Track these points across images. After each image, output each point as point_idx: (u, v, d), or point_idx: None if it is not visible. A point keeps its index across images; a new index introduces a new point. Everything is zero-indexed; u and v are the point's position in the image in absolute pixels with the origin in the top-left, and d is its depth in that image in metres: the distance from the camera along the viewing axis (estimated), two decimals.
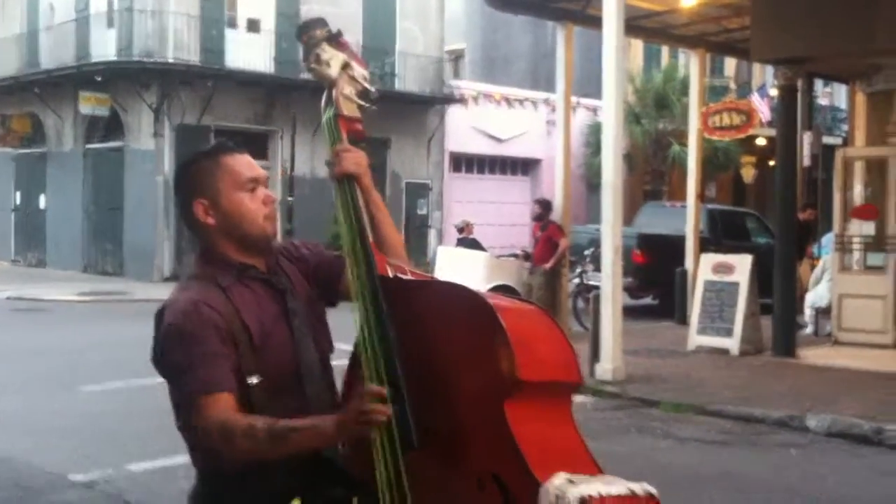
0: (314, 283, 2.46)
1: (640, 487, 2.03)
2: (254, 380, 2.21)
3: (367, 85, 2.43)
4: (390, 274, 2.26)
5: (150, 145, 20.98)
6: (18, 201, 25.27)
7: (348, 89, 2.42)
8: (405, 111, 23.65)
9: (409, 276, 2.28)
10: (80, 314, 15.83)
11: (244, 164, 2.37)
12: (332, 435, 2.12)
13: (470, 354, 2.10)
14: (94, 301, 17.60)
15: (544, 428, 2.08)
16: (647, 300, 16.80)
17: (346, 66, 2.41)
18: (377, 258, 2.27)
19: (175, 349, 2.22)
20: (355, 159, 2.35)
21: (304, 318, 2.38)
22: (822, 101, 28.86)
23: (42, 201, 24.38)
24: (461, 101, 25.56)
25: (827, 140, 21.46)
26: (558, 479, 1.93)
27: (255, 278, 2.36)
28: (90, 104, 21.30)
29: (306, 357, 2.34)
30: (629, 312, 12.14)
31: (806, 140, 16.98)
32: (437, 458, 2.11)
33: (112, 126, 22.27)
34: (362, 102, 2.44)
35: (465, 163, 27.14)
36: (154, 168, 20.86)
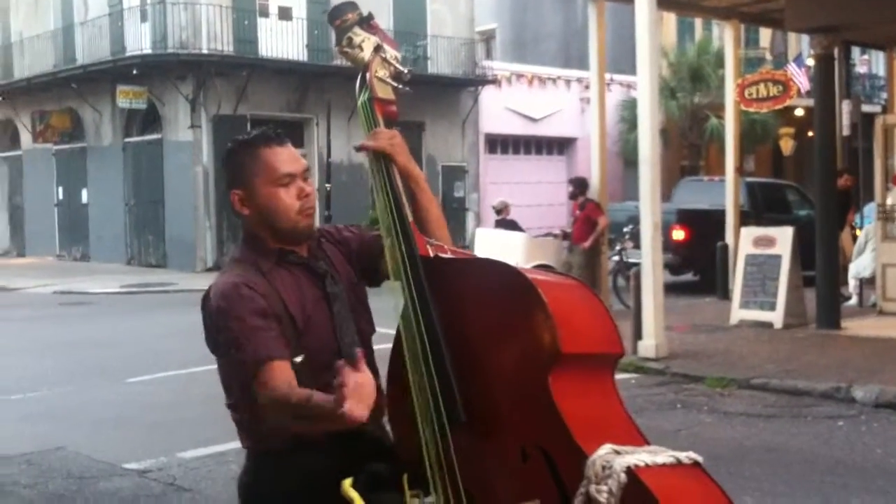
0: (356, 265, 2.50)
1: (685, 456, 2.05)
2: (298, 359, 2.26)
3: (399, 66, 2.46)
4: (431, 253, 2.29)
5: (188, 136, 21.17)
6: (61, 196, 25.63)
7: (382, 72, 2.45)
8: (438, 94, 23.64)
9: (448, 255, 2.30)
10: (125, 306, 16.05)
11: (283, 157, 2.40)
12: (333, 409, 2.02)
13: (512, 329, 2.13)
14: (138, 293, 17.87)
15: (588, 400, 2.11)
16: (688, 276, 16.70)
17: (378, 49, 2.43)
18: (417, 238, 2.30)
19: (222, 329, 2.28)
20: (391, 139, 2.36)
21: (345, 301, 2.42)
22: (861, 68, 28.43)
23: (84, 196, 24.70)
24: (494, 81, 25.48)
25: (866, 108, 21.14)
26: (604, 450, 1.95)
27: (295, 263, 2.40)
28: (127, 98, 21.54)
29: (347, 339, 2.38)
30: (670, 289, 12.09)
31: (845, 109, 16.75)
32: (482, 431, 2.14)
33: (149, 119, 22.51)
34: (396, 84, 2.47)
35: (501, 144, 27.09)
36: (192, 159, 21.06)
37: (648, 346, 9.70)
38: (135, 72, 21.35)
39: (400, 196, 2.32)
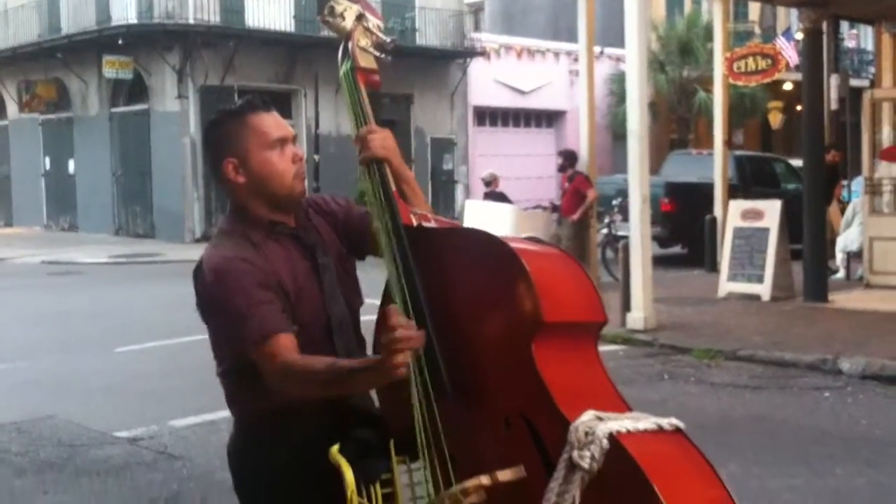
0: (343, 238, 2.50)
1: (667, 422, 2.07)
2: (294, 328, 2.27)
3: (382, 35, 2.45)
4: (414, 223, 2.30)
5: (175, 107, 21.07)
6: (48, 166, 25.53)
7: (364, 41, 2.43)
8: (427, 66, 23.56)
9: (432, 224, 2.31)
10: (113, 277, 16.04)
11: (272, 123, 2.40)
12: (381, 371, 2.05)
13: (495, 298, 2.13)
14: (126, 263, 17.84)
15: (571, 367, 2.12)
16: (677, 249, 16.76)
17: (360, 18, 2.42)
18: (401, 208, 2.30)
19: (221, 303, 2.27)
20: (382, 142, 2.32)
21: (334, 273, 2.43)
22: (849, 43, 28.43)
23: (71, 166, 24.60)
24: (483, 54, 25.40)
25: (854, 83, 21.17)
26: (587, 416, 1.97)
27: (284, 234, 2.40)
28: (114, 68, 21.40)
29: (336, 311, 2.39)
30: (658, 262, 12.15)
31: (833, 83, 16.78)
32: (467, 400, 2.16)
33: (136, 89, 22.38)
34: (378, 54, 2.46)
35: (489, 116, 27.04)
36: (180, 130, 20.97)
37: (637, 318, 9.76)
38: (121, 42, 21.19)
39: (392, 199, 2.28)
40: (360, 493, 2.19)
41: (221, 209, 21.21)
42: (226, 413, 6.78)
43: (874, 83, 17.34)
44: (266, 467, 2.37)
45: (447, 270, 2.21)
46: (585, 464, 1.92)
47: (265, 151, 2.37)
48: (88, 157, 23.71)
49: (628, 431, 1.98)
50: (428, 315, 2.17)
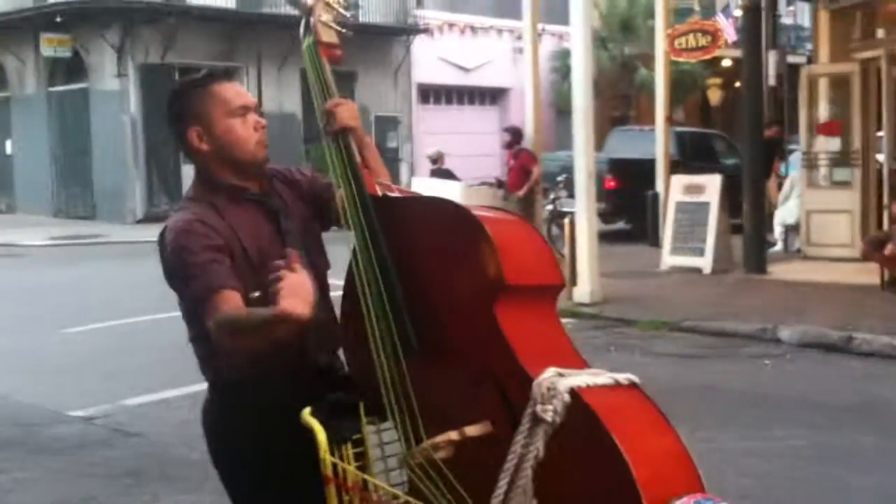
0: (309, 206, 2.58)
1: (623, 377, 2.20)
2: (255, 294, 2.33)
3: (342, 10, 2.52)
4: (380, 193, 2.39)
5: (115, 86, 20.76)
6: None
7: (325, 16, 2.50)
8: (370, 43, 23.47)
9: (396, 194, 2.41)
10: (55, 258, 15.82)
11: (234, 92, 2.48)
12: (280, 314, 2.05)
13: (459, 263, 2.23)
14: (68, 245, 17.59)
15: (532, 328, 2.23)
16: (620, 225, 17.01)
17: None
18: (367, 179, 2.39)
19: (177, 264, 2.35)
20: (351, 112, 2.43)
21: (299, 238, 2.49)
22: (786, 19, 28.88)
23: (8, 146, 24.10)
24: (426, 31, 25.38)
25: (792, 59, 21.58)
26: (549, 373, 2.08)
27: (249, 200, 2.48)
28: (52, 46, 20.99)
29: None
30: (603, 237, 12.32)
31: (771, 59, 17.09)
32: (435, 360, 2.26)
33: (75, 68, 21.97)
34: (339, 28, 2.54)
35: (434, 94, 27.05)
36: (120, 108, 20.68)
37: (583, 291, 9.94)
38: (59, 19, 20.78)
39: (357, 166, 2.37)
40: (332, 454, 2.28)
41: (164, 189, 21.01)
42: (180, 391, 6.82)
43: (811, 59, 17.72)
44: (240, 431, 2.44)
45: (413, 237, 2.31)
46: (549, 417, 2.03)
47: (228, 119, 2.44)
48: (26, 137, 23.25)
49: (588, 386, 2.09)
50: (396, 279, 2.26)
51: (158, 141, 20.78)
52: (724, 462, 4.88)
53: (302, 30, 2.52)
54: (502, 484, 2.03)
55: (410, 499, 2.22)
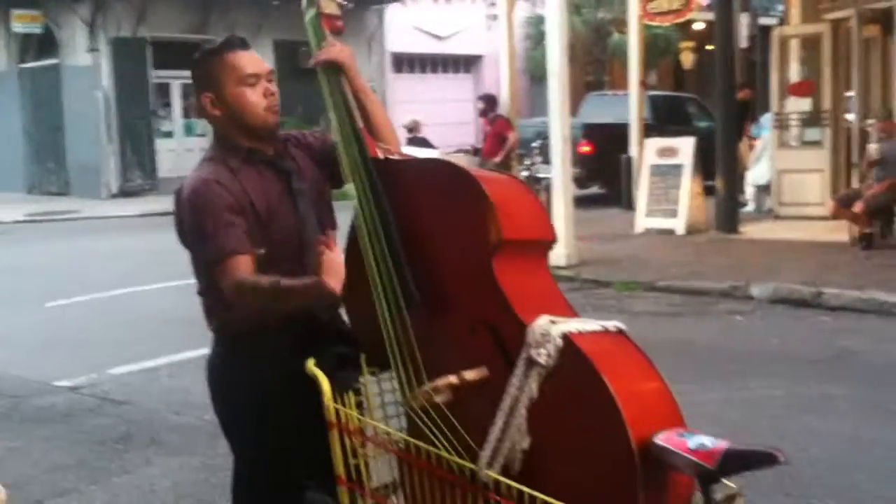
0: (320, 167, 2.70)
1: (611, 324, 2.35)
2: (261, 250, 2.47)
3: None
4: (380, 155, 2.52)
5: (87, 61, 20.60)
6: None
7: None
8: (343, 12, 23.40)
9: (397, 157, 2.54)
10: (31, 234, 15.79)
11: (247, 60, 2.59)
12: (325, 287, 2.36)
13: (459, 220, 2.37)
14: (44, 221, 17.54)
15: (526, 279, 2.37)
16: (595, 189, 17.16)
17: None
18: (368, 142, 2.51)
19: (193, 222, 2.49)
20: (344, 51, 2.57)
21: (309, 198, 2.63)
22: None
23: None
24: None
25: (763, 21, 21.73)
26: (542, 320, 2.22)
27: (261, 161, 2.60)
28: (23, 22, 20.79)
29: (308, 232, 2.59)
30: (579, 202, 12.44)
31: (743, 22, 17.24)
32: (435, 311, 2.40)
33: (46, 43, 21.77)
34: (339, 0, 2.65)
35: (407, 62, 27.02)
36: (92, 83, 20.52)
37: (560, 254, 10.07)
38: None
39: (349, 102, 2.52)
40: (335, 401, 2.41)
41: (137, 164, 20.94)
42: (164, 360, 6.94)
43: (783, 21, 17.88)
44: (244, 381, 2.58)
45: (414, 196, 2.44)
46: (542, 360, 2.18)
47: (239, 86, 2.56)
48: None
49: (579, 332, 2.24)
50: (397, 235, 2.39)
51: (132, 116, 20.69)
52: (696, 413, 4.99)
53: (305, 3, 2.63)
54: (498, 422, 2.18)
55: (408, 438, 2.36)
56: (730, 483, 2.19)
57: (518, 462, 2.20)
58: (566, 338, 2.19)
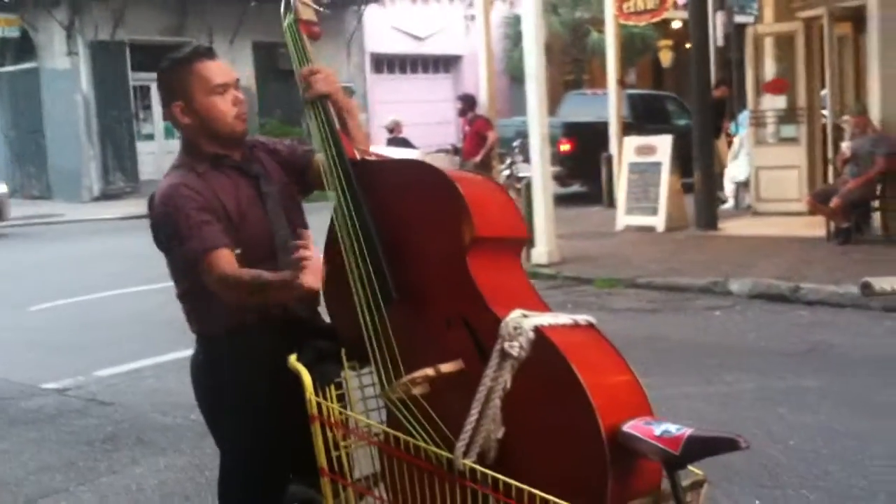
0: (289, 172, 2.78)
1: (581, 318, 2.44)
2: (236, 251, 2.56)
3: None
4: (358, 157, 2.60)
5: (66, 64, 20.58)
6: None
7: None
8: (320, 17, 23.43)
9: (373, 158, 2.62)
10: (13, 239, 15.78)
11: (215, 70, 2.66)
12: (291, 284, 2.36)
13: (435, 218, 2.46)
14: (25, 225, 17.51)
15: (499, 275, 2.46)
16: (576, 188, 17.28)
17: None
18: (346, 146, 2.60)
19: (168, 226, 2.56)
20: (327, 79, 2.64)
21: (278, 200, 2.71)
22: None
23: None
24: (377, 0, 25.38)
25: (739, 19, 21.89)
26: (515, 314, 2.30)
27: (229, 166, 2.68)
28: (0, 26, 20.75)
29: (280, 233, 2.67)
30: (560, 200, 12.58)
31: (719, 20, 17.39)
32: (412, 307, 2.48)
33: (24, 47, 21.72)
34: (317, 7, 2.73)
35: (387, 63, 27.08)
36: (71, 87, 20.51)
37: (541, 252, 10.20)
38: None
39: (336, 132, 2.59)
40: (316, 395, 2.49)
41: (118, 167, 20.93)
42: (149, 361, 7.03)
43: (758, 19, 18.04)
44: (226, 380, 2.66)
45: (390, 196, 2.53)
46: (515, 352, 2.26)
47: (208, 96, 2.64)
48: None
49: (550, 325, 2.32)
50: (375, 235, 2.47)
51: (112, 119, 20.67)
52: (673, 406, 5.13)
53: (283, 8, 2.71)
54: (474, 412, 2.26)
55: (388, 429, 2.44)
56: (696, 470, 2.28)
57: (493, 451, 2.28)
58: (538, 331, 2.27)
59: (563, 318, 2.40)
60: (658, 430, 2.16)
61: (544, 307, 2.49)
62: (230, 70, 2.72)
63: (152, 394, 6.19)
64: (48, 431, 5.63)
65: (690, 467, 2.25)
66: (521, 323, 2.28)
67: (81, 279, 10.67)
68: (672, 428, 2.17)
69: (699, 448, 2.14)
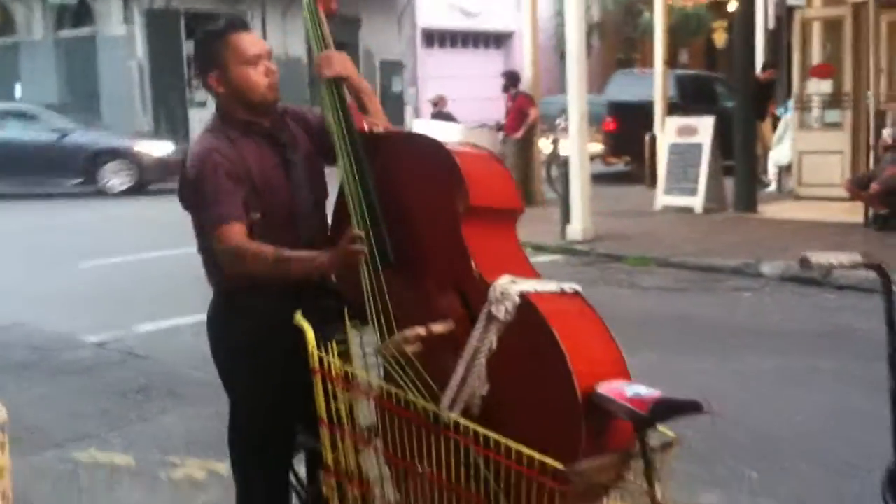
0: (316, 142, 2.95)
1: (568, 286, 2.58)
2: (256, 215, 2.73)
3: None
4: (366, 128, 2.77)
5: (122, 31, 20.98)
6: None
7: None
8: None
9: (380, 129, 2.79)
10: (69, 200, 16.20)
11: (249, 41, 2.83)
12: (325, 267, 2.68)
13: (433, 188, 2.63)
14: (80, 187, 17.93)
15: (492, 243, 2.62)
16: (620, 166, 17.30)
17: None
18: (356, 117, 2.76)
19: (194, 189, 2.75)
20: (341, 63, 2.80)
21: (302, 168, 2.88)
22: None
23: (18, 91, 24.36)
24: None
25: (791, 2, 21.60)
26: (503, 280, 2.46)
27: (259, 133, 2.85)
28: None
29: (300, 200, 2.84)
30: (603, 179, 12.68)
31: (770, 3, 17.21)
32: (409, 271, 2.65)
33: (82, 13, 22.16)
34: None
35: (438, 38, 27.16)
36: (127, 54, 20.91)
37: (576, 229, 10.30)
38: None
39: (350, 114, 2.75)
40: (319, 350, 2.67)
41: (171, 132, 21.30)
42: (187, 319, 7.28)
43: (807, 3, 17.83)
44: (239, 331, 2.84)
45: (393, 166, 2.70)
46: (501, 316, 2.42)
47: (242, 66, 2.81)
48: (35, 83, 23.46)
49: (536, 291, 2.48)
50: (377, 202, 2.64)
51: (166, 86, 21.04)
52: (685, 383, 5.21)
53: None
54: (460, 370, 2.43)
55: (384, 384, 2.62)
56: (668, 431, 2.42)
57: (477, 407, 2.44)
58: (524, 296, 2.42)
59: (550, 285, 2.54)
60: (629, 392, 2.31)
61: (535, 275, 2.64)
62: (263, 42, 2.89)
63: (188, 350, 6.41)
64: (85, 381, 5.91)
65: (662, 428, 2.39)
66: (508, 288, 2.43)
67: (134, 239, 11.04)
68: (643, 391, 2.31)
69: (665, 410, 2.28)
